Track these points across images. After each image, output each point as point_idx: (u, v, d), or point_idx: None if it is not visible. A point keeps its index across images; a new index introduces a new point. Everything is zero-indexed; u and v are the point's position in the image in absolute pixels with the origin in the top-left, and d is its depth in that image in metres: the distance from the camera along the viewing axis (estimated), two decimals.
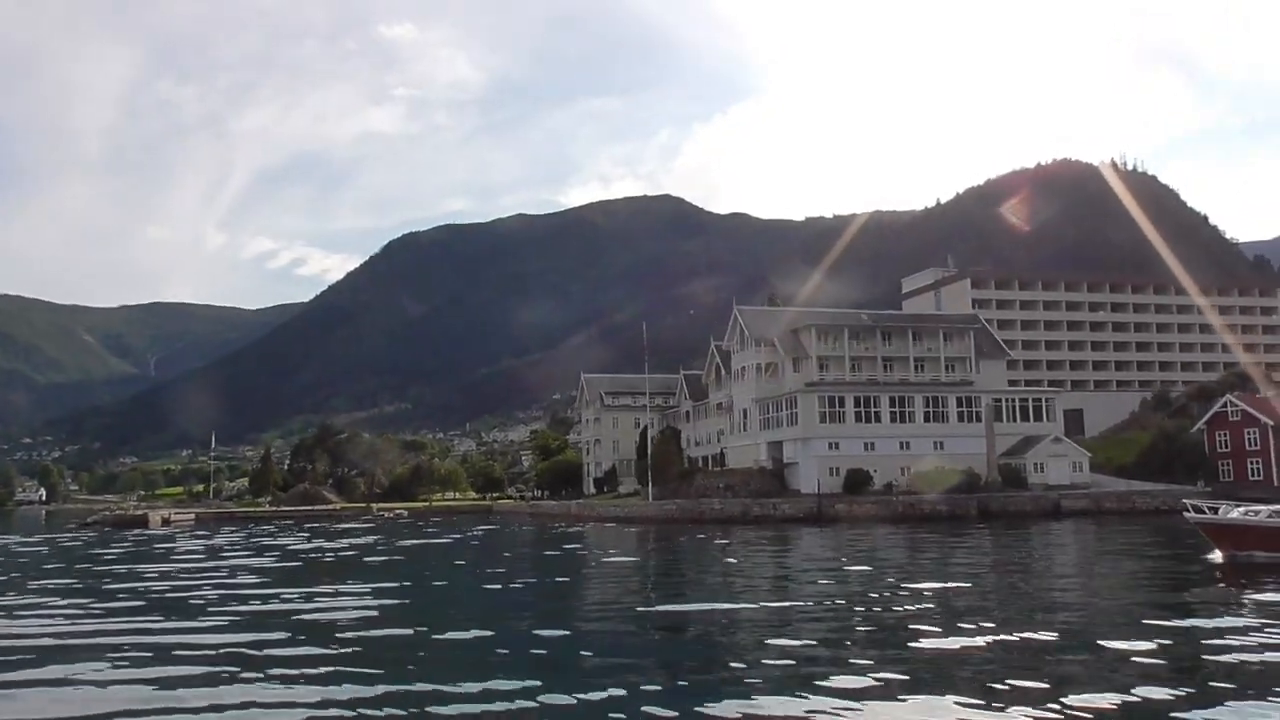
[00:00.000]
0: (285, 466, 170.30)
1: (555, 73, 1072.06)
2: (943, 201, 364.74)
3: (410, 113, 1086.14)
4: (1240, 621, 17.99)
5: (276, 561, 41.10)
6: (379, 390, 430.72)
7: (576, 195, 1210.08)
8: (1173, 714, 11.13)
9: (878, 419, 76.14)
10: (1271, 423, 75.30)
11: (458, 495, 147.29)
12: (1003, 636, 16.55)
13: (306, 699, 12.50)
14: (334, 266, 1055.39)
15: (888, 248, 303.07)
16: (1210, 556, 29.75)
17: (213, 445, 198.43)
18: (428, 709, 11.86)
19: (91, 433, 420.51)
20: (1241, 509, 31.22)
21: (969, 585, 25.68)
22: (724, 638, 18.30)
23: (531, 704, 12.08)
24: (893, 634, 17.95)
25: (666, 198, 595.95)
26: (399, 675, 13.98)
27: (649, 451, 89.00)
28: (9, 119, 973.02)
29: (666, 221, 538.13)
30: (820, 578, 29.16)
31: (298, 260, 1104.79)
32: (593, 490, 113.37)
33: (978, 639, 16.26)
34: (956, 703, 11.66)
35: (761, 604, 22.56)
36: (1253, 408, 77.49)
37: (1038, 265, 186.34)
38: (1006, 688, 12.49)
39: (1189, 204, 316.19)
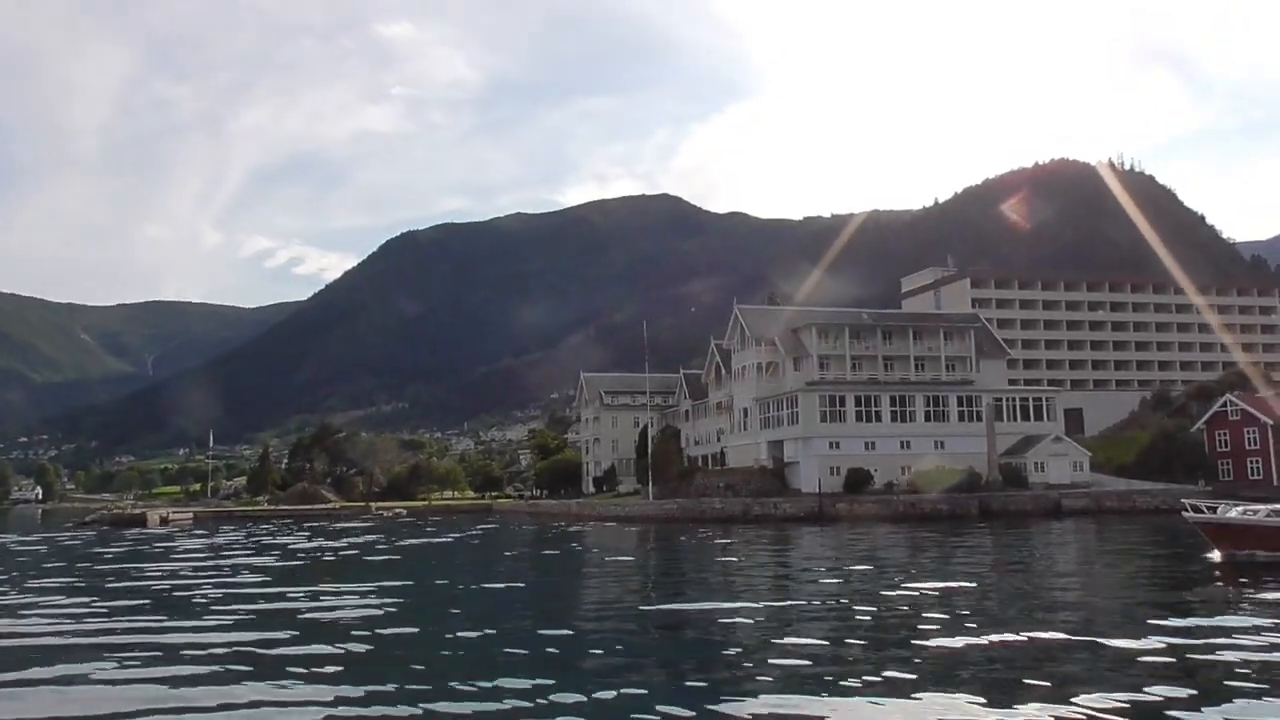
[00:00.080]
0: (283, 465, 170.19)
1: (553, 72, 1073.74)
2: (941, 201, 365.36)
3: (407, 112, 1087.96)
4: (1240, 621, 18.05)
5: (278, 560, 41.18)
6: (376, 389, 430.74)
7: (574, 194, 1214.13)
8: (1173, 713, 11.19)
9: (878, 418, 76.25)
10: (1271, 422, 75.50)
11: (456, 494, 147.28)
12: (1003, 636, 16.60)
13: (318, 698, 12.55)
14: (331, 265, 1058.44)
15: (886, 247, 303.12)
16: (1210, 556, 29.88)
17: (210, 444, 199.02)
18: (438, 708, 11.93)
19: (88, 432, 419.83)
20: (1241, 508, 31.37)
21: (970, 584, 25.75)
22: (725, 637, 18.33)
23: (539, 703, 12.15)
24: (894, 633, 18.06)
25: (664, 197, 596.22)
26: (407, 674, 14.09)
27: (649, 450, 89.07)
28: (5, 118, 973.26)
29: (665, 221, 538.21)
30: (821, 577, 29.25)
31: (295, 259, 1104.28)
32: (592, 489, 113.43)
33: (979, 638, 16.32)
34: (957, 702, 11.72)
35: (763, 603, 22.62)
36: (1252, 407, 77.70)
37: (1036, 265, 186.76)
38: (1007, 687, 12.57)
39: (1186, 204, 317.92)
